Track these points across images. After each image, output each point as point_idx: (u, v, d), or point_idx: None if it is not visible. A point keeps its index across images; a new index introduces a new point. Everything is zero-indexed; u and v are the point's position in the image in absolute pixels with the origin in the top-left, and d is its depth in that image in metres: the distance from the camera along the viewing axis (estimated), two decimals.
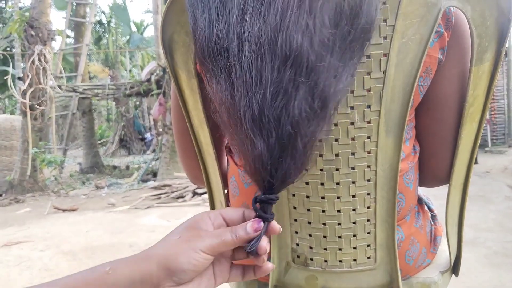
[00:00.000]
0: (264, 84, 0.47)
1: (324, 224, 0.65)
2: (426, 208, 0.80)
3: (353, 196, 0.63)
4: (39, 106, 7.84)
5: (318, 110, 0.48)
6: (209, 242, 0.48)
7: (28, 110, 7.64)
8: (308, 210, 0.65)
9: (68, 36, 13.37)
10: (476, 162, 7.11)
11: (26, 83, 7.66)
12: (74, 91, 9.80)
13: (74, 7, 11.69)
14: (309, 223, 0.65)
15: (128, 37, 19.61)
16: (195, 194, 6.30)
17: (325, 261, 0.66)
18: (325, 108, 0.48)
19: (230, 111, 0.49)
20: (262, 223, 0.50)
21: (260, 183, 0.51)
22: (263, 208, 0.52)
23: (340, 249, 0.65)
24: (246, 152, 0.50)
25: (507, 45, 0.73)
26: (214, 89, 0.51)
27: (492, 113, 9.87)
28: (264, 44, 0.47)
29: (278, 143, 0.48)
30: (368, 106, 0.60)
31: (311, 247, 0.67)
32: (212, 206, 0.82)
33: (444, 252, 0.78)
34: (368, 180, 0.63)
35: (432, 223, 0.80)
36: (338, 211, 0.64)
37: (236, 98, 0.48)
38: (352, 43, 0.50)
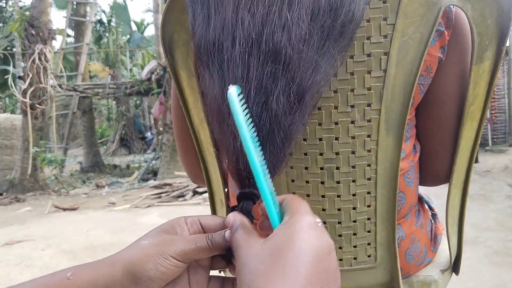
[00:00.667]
0: (250, 79, 0.47)
1: (324, 222, 0.65)
2: (426, 207, 0.80)
3: (354, 195, 0.63)
4: (40, 105, 7.85)
5: (296, 103, 0.47)
6: (181, 247, 0.43)
7: (28, 109, 7.64)
8: None
9: (68, 35, 13.37)
10: (476, 161, 7.11)
11: (27, 82, 7.66)
12: (75, 90, 9.80)
13: (75, 6, 11.70)
14: None
15: (128, 36, 19.61)
16: (195, 193, 6.30)
17: None
18: (302, 101, 0.48)
19: (216, 107, 0.49)
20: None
21: (241, 179, 0.49)
22: (245, 204, 0.47)
23: (340, 248, 0.66)
24: (227, 148, 0.48)
25: (507, 44, 0.73)
26: (207, 84, 0.51)
27: (493, 112, 9.86)
28: (253, 39, 0.47)
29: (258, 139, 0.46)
30: (369, 105, 0.60)
31: None
32: (213, 205, 0.82)
33: (444, 251, 0.79)
34: (369, 179, 0.63)
35: (433, 221, 0.80)
36: (339, 209, 0.64)
37: (225, 93, 0.48)
38: (331, 36, 0.49)
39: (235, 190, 0.74)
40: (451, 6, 0.59)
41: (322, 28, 0.48)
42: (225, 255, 0.46)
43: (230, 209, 0.48)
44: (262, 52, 0.47)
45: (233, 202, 0.77)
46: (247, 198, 0.47)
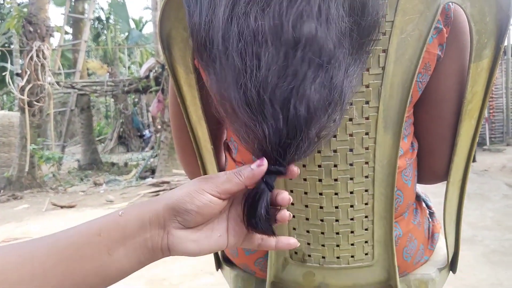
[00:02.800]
0: (265, 67, 0.46)
1: (322, 220, 0.65)
2: (424, 205, 0.80)
3: (351, 193, 0.63)
4: (37, 102, 7.82)
5: (337, 100, 0.47)
6: (213, 182, 0.48)
7: (26, 106, 7.62)
8: (306, 206, 0.65)
9: (66, 33, 13.32)
10: (474, 160, 7.11)
11: (24, 80, 7.63)
12: (73, 87, 9.77)
13: (73, 3, 11.65)
14: (307, 219, 0.65)
15: (127, 33, 19.56)
16: None
17: (323, 257, 0.66)
18: (342, 100, 0.48)
19: (225, 101, 0.49)
20: (265, 160, 0.48)
21: (267, 157, 0.50)
22: (269, 178, 0.50)
23: (337, 246, 0.65)
24: (249, 136, 0.49)
25: (506, 43, 0.73)
26: (209, 82, 0.51)
27: (491, 111, 9.88)
28: (265, 31, 0.46)
29: (288, 125, 0.47)
30: (367, 102, 0.59)
31: (308, 244, 0.67)
32: None
33: (441, 249, 0.79)
34: (366, 177, 0.63)
35: (430, 220, 0.80)
36: (336, 207, 0.64)
37: (225, 85, 0.48)
38: (362, 40, 0.50)
39: None
40: (450, 3, 0.59)
41: (357, 28, 0.49)
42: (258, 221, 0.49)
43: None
44: (282, 42, 0.46)
45: None
46: (271, 173, 0.49)
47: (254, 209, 0.48)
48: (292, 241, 0.52)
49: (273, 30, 0.46)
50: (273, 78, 0.46)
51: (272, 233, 0.50)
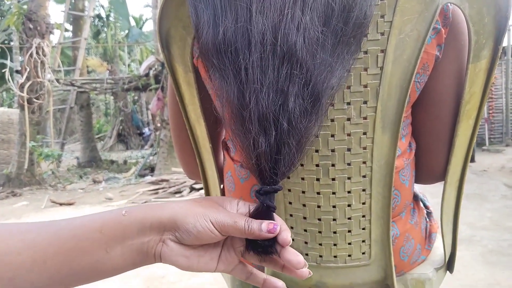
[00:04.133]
0: (267, 83, 0.48)
1: (319, 219, 0.65)
2: (421, 205, 0.80)
3: (349, 192, 0.63)
4: (37, 99, 7.82)
5: (311, 105, 0.48)
6: (221, 217, 0.48)
7: (25, 103, 7.62)
8: (304, 205, 0.65)
9: (66, 30, 13.32)
10: (473, 161, 7.12)
11: (24, 77, 7.63)
12: (72, 85, 9.77)
13: (73, 1, 11.63)
14: (305, 218, 0.66)
15: (127, 31, 19.56)
16: (192, 189, 6.30)
17: (320, 256, 0.67)
18: (317, 104, 0.49)
19: (236, 108, 0.49)
20: (278, 227, 0.48)
21: (262, 176, 0.51)
22: (268, 198, 0.50)
23: (335, 245, 0.66)
24: (248, 148, 0.50)
25: (505, 44, 0.73)
26: (218, 85, 0.51)
27: (490, 111, 9.89)
28: (268, 42, 0.47)
29: (276, 140, 0.48)
30: (365, 102, 0.60)
31: (306, 242, 0.67)
32: None
33: (439, 249, 0.79)
34: (364, 176, 0.63)
35: (428, 220, 0.80)
36: (334, 206, 0.64)
37: (246, 96, 0.48)
38: (345, 39, 0.50)
39: (230, 186, 0.74)
40: (449, 4, 0.59)
41: (335, 31, 0.49)
42: (260, 250, 0.50)
43: (256, 192, 0.51)
44: (277, 55, 0.47)
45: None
46: (268, 193, 0.50)
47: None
48: (279, 284, 0.52)
49: (272, 43, 0.48)
50: (272, 95, 0.47)
51: (275, 252, 0.50)
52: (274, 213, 0.51)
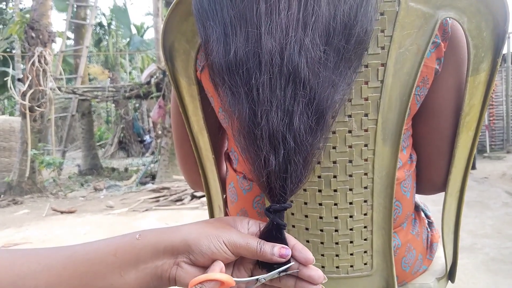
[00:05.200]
0: (276, 102, 0.49)
1: (321, 230, 0.65)
2: (422, 215, 0.80)
3: (350, 203, 0.64)
4: (39, 107, 7.85)
5: (314, 123, 0.49)
6: (234, 238, 0.49)
7: (27, 111, 7.64)
8: (306, 216, 0.65)
9: (68, 38, 13.38)
10: (474, 168, 7.12)
11: (26, 85, 7.67)
12: (74, 93, 9.81)
13: (75, 9, 11.71)
14: (307, 229, 0.66)
15: (128, 39, 19.62)
16: (193, 197, 6.30)
17: (322, 267, 0.67)
18: (321, 120, 0.50)
19: (248, 127, 0.50)
20: (289, 252, 0.49)
21: (272, 194, 0.51)
22: (277, 216, 0.51)
23: (337, 255, 0.66)
24: (259, 166, 0.50)
25: (505, 52, 0.75)
26: (229, 103, 0.52)
27: (491, 119, 9.90)
28: (276, 63, 0.49)
29: (284, 158, 0.49)
30: (366, 115, 0.60)
31: None
32: (211, 211, 0.83)
33: (440, 259, 0.79)
34: (365, 188, 0.63)
35: (429, 230, 0.80)
36: (335, 217, 0.64)
37: (258, 115, 0.49)
38: (346, 56, 0.51)
39: (233, 197, 0.75)
40: (448, 18, 0.60)
41: (337, 49, 0.50)
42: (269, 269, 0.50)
43: (265, 210, 0.52)
44: (283, 75, 0.49)
45: (231, 208, 0.77)
46: (278, 211, 0.51)
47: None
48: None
49: (279, 63, 0.49)
50: (281, 114, 0.48)
51: (288, 270, 0.50)
52: (285, 231, 0.51)
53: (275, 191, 0.51)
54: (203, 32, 0.54)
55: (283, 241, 0.50)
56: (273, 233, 0.51)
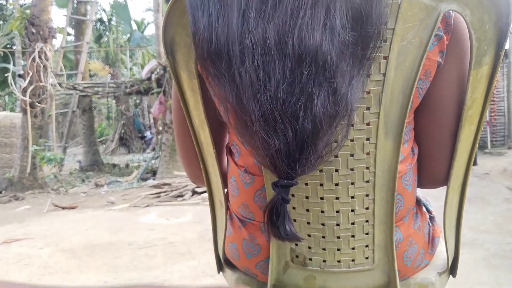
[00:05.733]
0: (274, 84, 0.48)
1: (323, 224, 0.65)
2: (424, 209, 0.80)
3: (352, 197, 0.64)
4: (39, 103, 7.84)
5: (342, 111, 0.49)
6: None
7: (28, 107, 7.64)
8: (307, 210, 0.65)
9: (68, 34, 13.36)
10: (475, 164, 7.11)
11: (27, 81, 7.66)
12: (75, 89, 9.80)
13: (75, 5, 11.68)
14: (308, 223, 0.66)
15: (128, 35, 19.60)
16: (194, 193, 6.30)
17: (324, 261, 0.67)
18: (347, 111, 0.50)
19: (237, 113, 0.50)
20: None
21: (279, 171, 0.53)
22: (283, 191, 0.53)
23: (338, 250, 0.66)
24: (260, 149, 0.51)
25: (507, 47, 0.74)
26: (217, 92, 0.52)
27: (492, 114, 9.88)
28: (272, 45, 0.48)
29: (296, 140, 0.49)
30: (368, 108, 0.60)
31: (310, 247, 0.67)
32: (212, 206, 0.83)
33: (442, 253, 0.79)
34: (367, 182, 0.63)
35: (430, 224, 0.80)
36: (337, 211, 0.64)
37: (244, 100, 0.49)
38: (365, 49, 0.51)
39: (234, 191, 0.75)
40: (450, 11, 0.60)
41: (361, 37, 0.50)
42: None
43: (272, 184, 0.54)
44: (288, 57, 0.48)
45: (232, 203, 0.77)
46: (285, 187, 0.53)
47: (276, 220, 0.53)
48: None
49: (278, 45, 0.48)
50: (281, 95, 0.48)
51: (297, 238, 0.52)
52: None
53: (282, 168, 0.52)
54: (192, 25, 0.54)
55: (284, 217, 0.53)
56: (277, 208, 0.53)
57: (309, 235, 0.67)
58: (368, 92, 0.59)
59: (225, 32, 0.50)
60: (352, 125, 0.60)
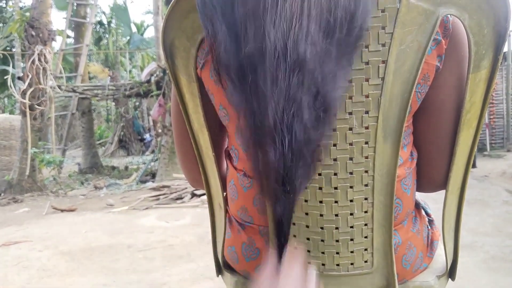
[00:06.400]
0: (277, 93, 0.48)
1: (321, 228, 0.65)
2: (423, 212, 0.80)
3: (351, 201, 0.64)
4: (39, 106, 7.84)
5: (322, 115, 0.49)
6: None
7: (27, 110, 7.64)
8: (306, 214, 0.65)
9: (68, 36, 13.36)
10: (474, 166, 7.12)
11: (26, 83, 7.66)
12: (74, 91, 9.81)
13: (75, 8, 11.70)
14: (307, 227, 0.66)
15: (128, 37, 19.62)
16: (193, 195, 6.30)
17: (323, 264, 0.67)
18: (328, 113, 0.50)
19: (255, 122, 0.50)
20: None
21: (272, 195, 0.53)
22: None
23: (337, 253, 0.66)
24: (260, 165, 0.51)
25: (506, 50, 0.75)
26: (238, 99, 0.52)
27: (491, 117, 9.90)
28: (279, 54, 0.48)
29: (290, 151, 0.49)
30: (366, 112, 0.60)
31: (309, 251, 0.67)
32: (211, 209, 0.83)
33: (440, 257, 0.79)
34: (366, 185, 0.63)
35: (429, 227, 0.80)
36: (336, 215, 0.64)
37: (265, 110, 0.49)
38: (348, 48, 0.51)
39: (233, 195, 0.75)
40: (449, 15, 0.60)
41: (341, 39, 0.50)
42: None
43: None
44: (287, 65, 0.49)
45: (231, 206, 0.77)
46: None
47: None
48: None
49: (276, 54, 0.49)
50: (284, 104, 0.48)
51: None
52: None
53: (276, 191, 0.51)
54: (210, 28, 0.54)
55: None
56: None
57: (308, 239, 0.67)
58: (367, 96, 0.60)
59: (253, 43, 0.50)
60: (351, 129, 0.61)
